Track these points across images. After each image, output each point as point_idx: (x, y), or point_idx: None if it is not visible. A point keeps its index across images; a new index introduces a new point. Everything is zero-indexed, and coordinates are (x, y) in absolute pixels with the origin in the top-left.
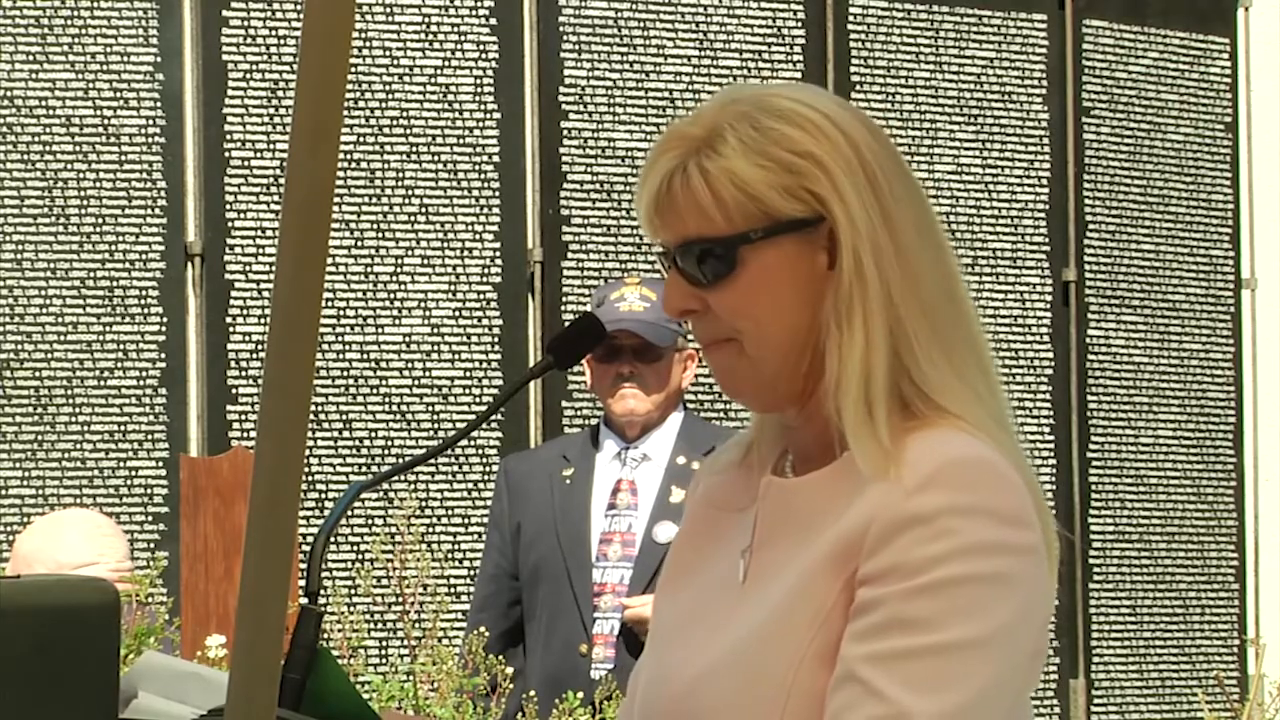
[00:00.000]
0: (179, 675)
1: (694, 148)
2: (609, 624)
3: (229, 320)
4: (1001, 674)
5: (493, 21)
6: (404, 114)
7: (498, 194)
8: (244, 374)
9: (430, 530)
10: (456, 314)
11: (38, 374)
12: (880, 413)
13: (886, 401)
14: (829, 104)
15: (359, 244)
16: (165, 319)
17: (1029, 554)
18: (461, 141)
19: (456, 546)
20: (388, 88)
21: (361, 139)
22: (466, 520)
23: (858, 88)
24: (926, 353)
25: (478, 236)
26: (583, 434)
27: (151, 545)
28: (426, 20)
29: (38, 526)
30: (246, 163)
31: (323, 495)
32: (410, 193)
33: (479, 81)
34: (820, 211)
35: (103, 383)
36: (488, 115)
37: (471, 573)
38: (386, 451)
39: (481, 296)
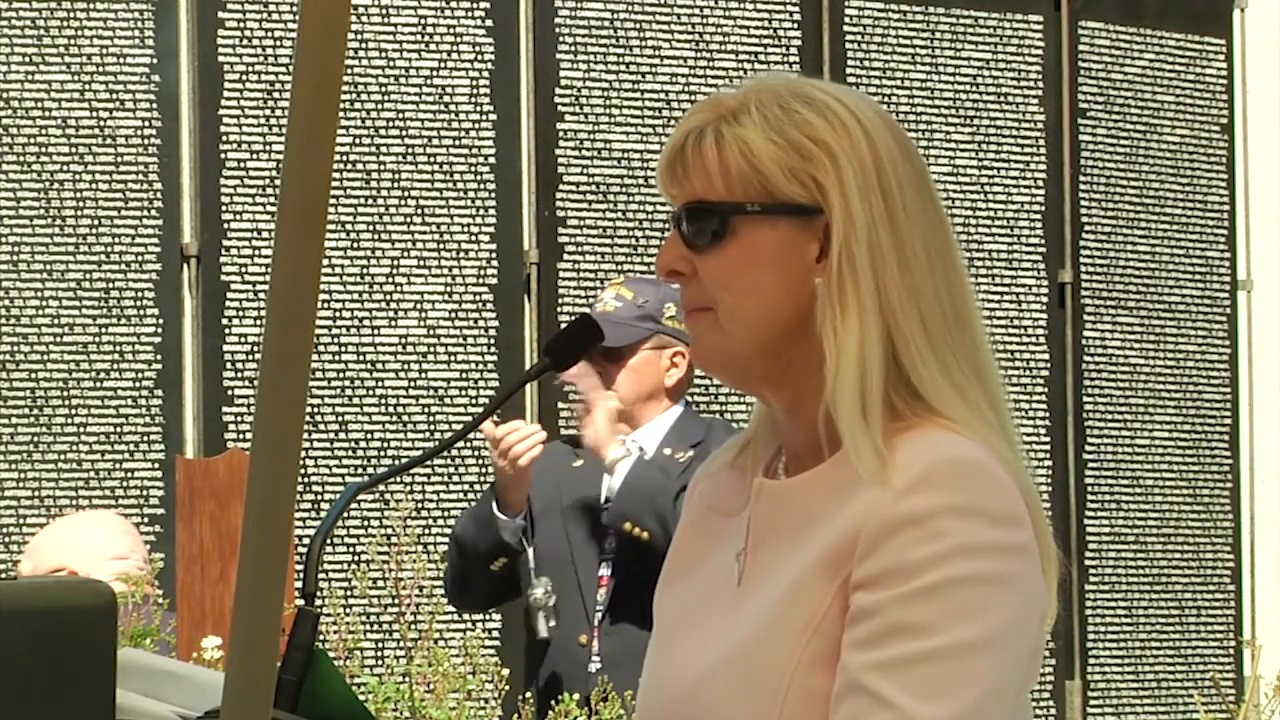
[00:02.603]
0: (156, 673)
1: (721, 115)
2: (599, 616)
3: (225, 322)
4: (1003, 675)
5: (488, 23)
6: (400, 116)
7: (493, 196)
8: (240, 376)
9: (426, 532)
10: (452, 316)
11: (34, 376)
12: (875, 415)
13: (881, 404)
14: (865, 107)
15: (355, 246)
16: (161, 321)
17: (1022, 553)
18: (457, 143)
19: None
20: (383, 90)
21: (357, 141)
22: None
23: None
24: (925, 363)
25: (474, 238)
26: None
27: (147, 547)
28: (422, 22)
29: (63, 523)
30: (242, 164)
31: (318, 497)
32: (406, 195)
33: (475, 83)
34: (820, 202)
35: (99, 384)
36: (483, 117)
37: None
38: (383, 453)
39: (478, 298)
